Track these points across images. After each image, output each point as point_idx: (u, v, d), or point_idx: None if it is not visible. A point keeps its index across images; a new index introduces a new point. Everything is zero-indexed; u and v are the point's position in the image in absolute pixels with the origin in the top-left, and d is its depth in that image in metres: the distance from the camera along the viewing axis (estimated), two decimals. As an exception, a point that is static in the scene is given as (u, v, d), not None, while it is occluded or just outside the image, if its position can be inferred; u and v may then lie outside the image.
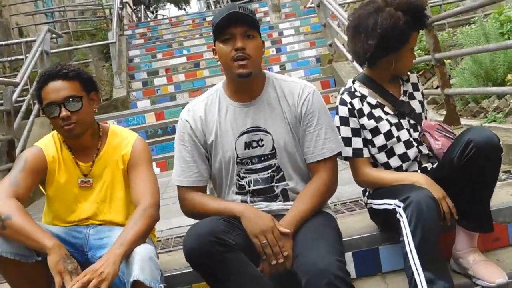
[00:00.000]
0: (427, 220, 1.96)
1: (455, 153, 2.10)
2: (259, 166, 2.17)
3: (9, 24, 11.65)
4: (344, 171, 2.51)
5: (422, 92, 2.46)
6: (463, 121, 4.79)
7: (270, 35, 11.39)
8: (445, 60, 6.04)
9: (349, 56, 7.00)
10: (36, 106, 6.66)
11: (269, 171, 2.17)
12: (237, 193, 2.21)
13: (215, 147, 2.19)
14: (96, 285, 1.83)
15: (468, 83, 5.33)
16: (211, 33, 2.18)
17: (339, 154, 2.26)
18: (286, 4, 14.15)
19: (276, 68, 9.77)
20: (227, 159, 2.18)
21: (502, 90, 4.21)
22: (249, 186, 2.18)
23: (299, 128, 2.18)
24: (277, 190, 2.18)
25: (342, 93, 2.40)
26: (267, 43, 10.89)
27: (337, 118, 2.36)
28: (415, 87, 2.43)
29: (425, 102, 2.47)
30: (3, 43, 8.71)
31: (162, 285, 1.94)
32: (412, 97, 2.39)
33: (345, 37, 7.08)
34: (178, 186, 2.23)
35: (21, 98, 6.65)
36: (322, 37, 10.11)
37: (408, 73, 2.45)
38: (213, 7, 23.03)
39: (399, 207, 2.04)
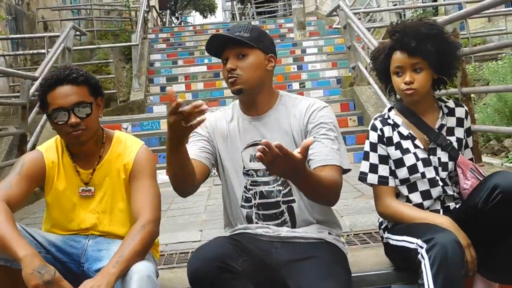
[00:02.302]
0: (451, 266, 1.84)
1: (479, 198, 1.99)
2: (265, 179, 2.13)
3: (35, 18, 11.74)
4: (359, 199, 2.41)
5: (467, 129, 2.31)
6: (484, 158, 4.66)
7: (292, 52, 11.40)
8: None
9: (371, 81, 6.93)
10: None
11: (275, 184, 2.13)
12: (242, 206, 2.15)
13: (224, 153, 2.19)
14: None
15: (490, 120, 5.22)
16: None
17: (346, 172, 2.11)
18: (311, 22, 14.25)
19: (296, 85, 9.74)
20: (234, 169, 2.17)
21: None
22: (255, 198, 2.13)
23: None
24: (283, 206, 2.11)
25: (375, 119, 2.34)
26: (289, 59, 10.87)
27: (367, 143, 2.31)
28: (460, 122, 2.29)
29: (469, 140, 2.32)
30: (27, 36, 8.81)
31: None
32: (450, 133, 2.26)
33: (369, 61, 7.02)
34: None
35: (38, 93, 6.66)
36: (345, 59, 10.06)
37: (455, 106, 2.31)
38: (238, 18, 23.16)
39: (422, 247, 1.92)
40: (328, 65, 10.55)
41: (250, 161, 2.14)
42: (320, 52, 11.32)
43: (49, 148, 2.23)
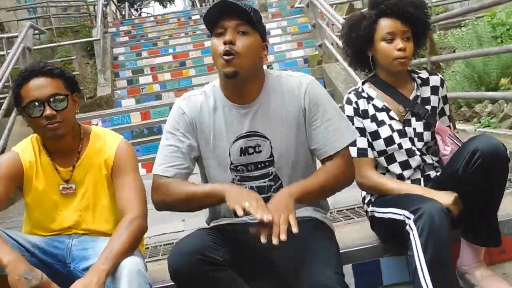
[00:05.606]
0: (439, 234, 1.84)
1: (459, 164, 1.99)
2: (255, 173, 2.00)
3: (-10, 19, 11.46)
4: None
5: (443, 97, 2.30)
6: (457, 125, 4.73)
7: (257, 35, 11.30)
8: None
9: (339, 57, 6.94)
10: (17, 104, 6.50)
11: (266, 179, 2.01)
12: None
13: (208, 149, 2.01)
14: None
15: (460, 87, 5.28)
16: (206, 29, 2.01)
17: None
18: (272, 4, 14.09)
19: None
20: (221, 164, 2.00)
21: (502, 96, 4.13)
22: None
23: (306, 126, 1.98)
24: None
25: (350, 93, 2.32)
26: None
27: None
28: (435, 90, 2.27)
29: (446, 108, 2.31)
30: (-16, 38, 8.50)
31: None
32: (426, 102, 2.26)
33: (335, 38, 7.10)
34: (155, 175, 1.99)
35: (2, 95, 6.53)
36: (310, 38, 10.04)
37: (429, 75, 2.30)
38: (198, 5, 22.89)
39: (409, 218, 1.91)
40: (293, 45, 10.50)
41: (240, 155, 1.98)
42: (284, 33, 11.26)
43: (25, 148, 2.18)
